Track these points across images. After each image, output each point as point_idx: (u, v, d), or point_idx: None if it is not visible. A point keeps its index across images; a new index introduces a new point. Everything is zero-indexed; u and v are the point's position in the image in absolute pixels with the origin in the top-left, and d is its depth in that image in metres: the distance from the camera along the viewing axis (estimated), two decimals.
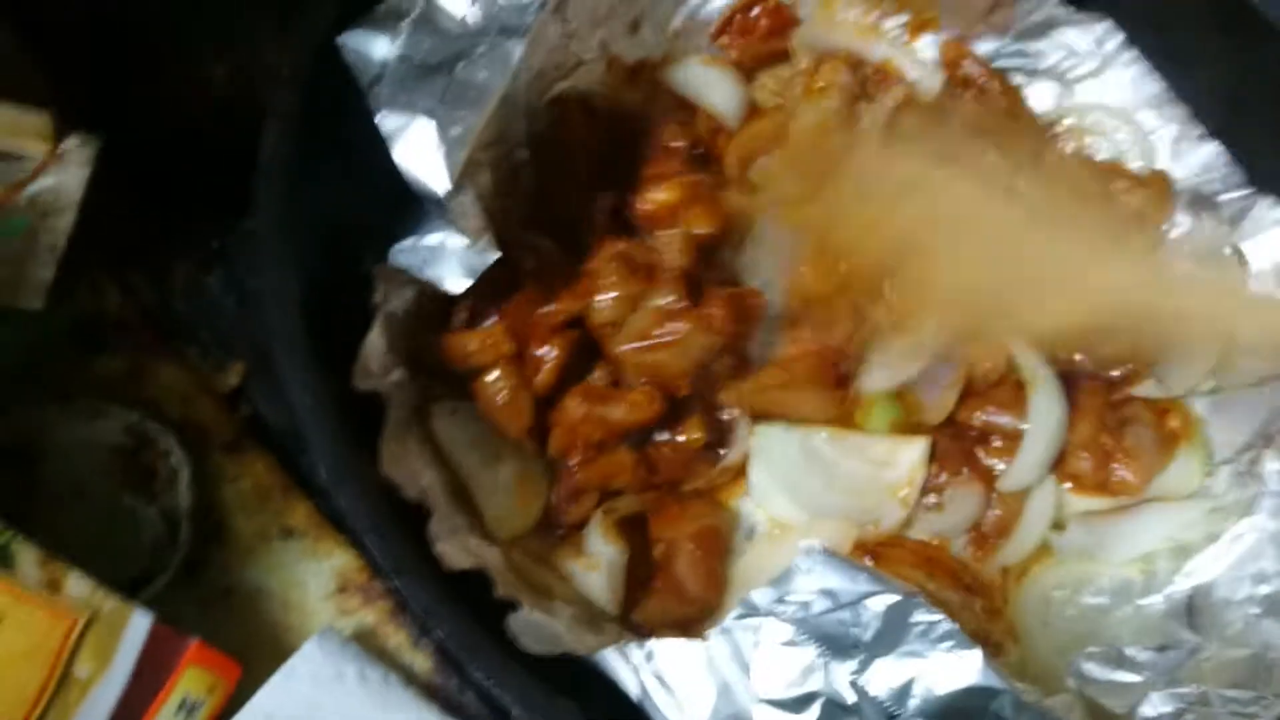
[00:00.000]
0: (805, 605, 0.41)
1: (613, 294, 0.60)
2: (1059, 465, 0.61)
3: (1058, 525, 0.60)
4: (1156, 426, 0.60)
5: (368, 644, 0.60)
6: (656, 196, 0.64)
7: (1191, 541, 0.56)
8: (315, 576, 0.62)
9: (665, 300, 0.60)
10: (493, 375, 0.59)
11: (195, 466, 0.62)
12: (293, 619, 0.61)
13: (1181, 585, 0.56)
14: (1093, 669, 0.54)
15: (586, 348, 0.62)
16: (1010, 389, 0.61)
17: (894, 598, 0.40)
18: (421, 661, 0.61)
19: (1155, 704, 0.47)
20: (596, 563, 0.57)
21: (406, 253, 0.56)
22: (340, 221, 0.55)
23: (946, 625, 0.40)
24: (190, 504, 0.61)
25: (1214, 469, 0.59)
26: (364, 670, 0.58)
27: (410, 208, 0.57)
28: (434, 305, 0.59)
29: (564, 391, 0.60)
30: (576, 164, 0.65)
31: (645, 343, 0.60)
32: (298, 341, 0.45)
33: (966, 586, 0.56)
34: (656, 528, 0.60)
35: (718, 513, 0.62)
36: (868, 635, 0.40)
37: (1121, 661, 0.53)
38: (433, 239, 0.56)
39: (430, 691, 0.59)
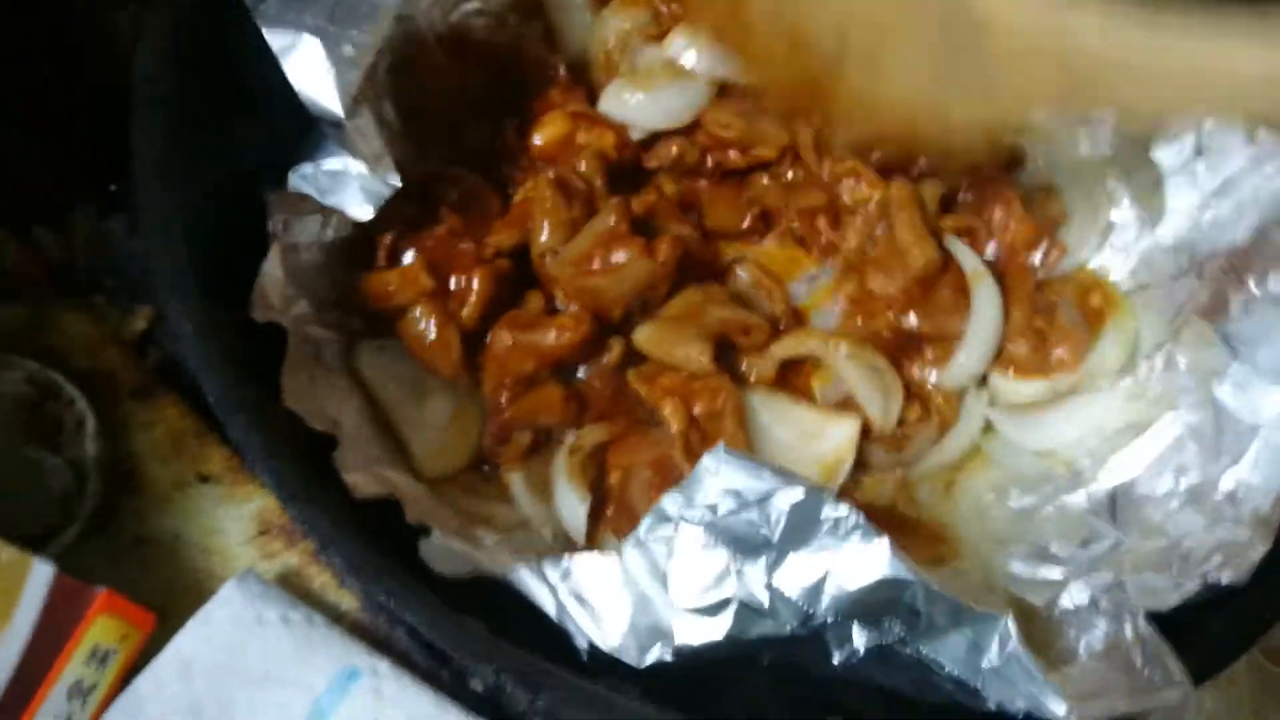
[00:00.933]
0: (713, 508, 0.40)
1: (551, 219, 0.59)
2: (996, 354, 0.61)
3: (986, 428, 0.61)
4: (1081, 305, 0.61)
5: (292, 586, 0.59)
6: (542, 133, 0.62)
7: (1114, 429, 0.56)
8: (235, 521, 0.60)
9: (607, 224, 0.59)
10: (416, 313, 0.57)
11: (105, 415, 0.60)
12: (214, 566, 0.59)
13: (1104, 482, 0.56)
14: (1018, 567, 0.54)
15: (512, 281, 0.60)
16: (948, 292, 0.61)
17: (799, 493, 0.40)
18: (349, 600, 0.59)
19: (1073, 594, 0.47)
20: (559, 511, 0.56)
21: (306, 179, 0.54)
22: (236, 147, 0.53)
23: (854, 519, 0.39)
24: (98, 453, 0.59)
25: (1139, 352, 0.59)
26: (286, 612, 0.56)
27: (313, 132, 0.54)
28: (350, 239, 0.57)
29: (492, 325, 0.59)
30: (436, 102, 0.61)
31: (586, 266, 0.58)
32: (177, 266, 0.43)
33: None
34: (614, 455, 0.59)
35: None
36: (776, 534, 0.40)
37: (1045, 558, 0.54)
38: (333, 164, 0.54)
39: (358, 630, 0.58)
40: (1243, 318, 0.56)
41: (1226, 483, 0.52)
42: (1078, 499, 0.57)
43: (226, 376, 0.42)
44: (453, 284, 0.59)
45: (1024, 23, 0.42)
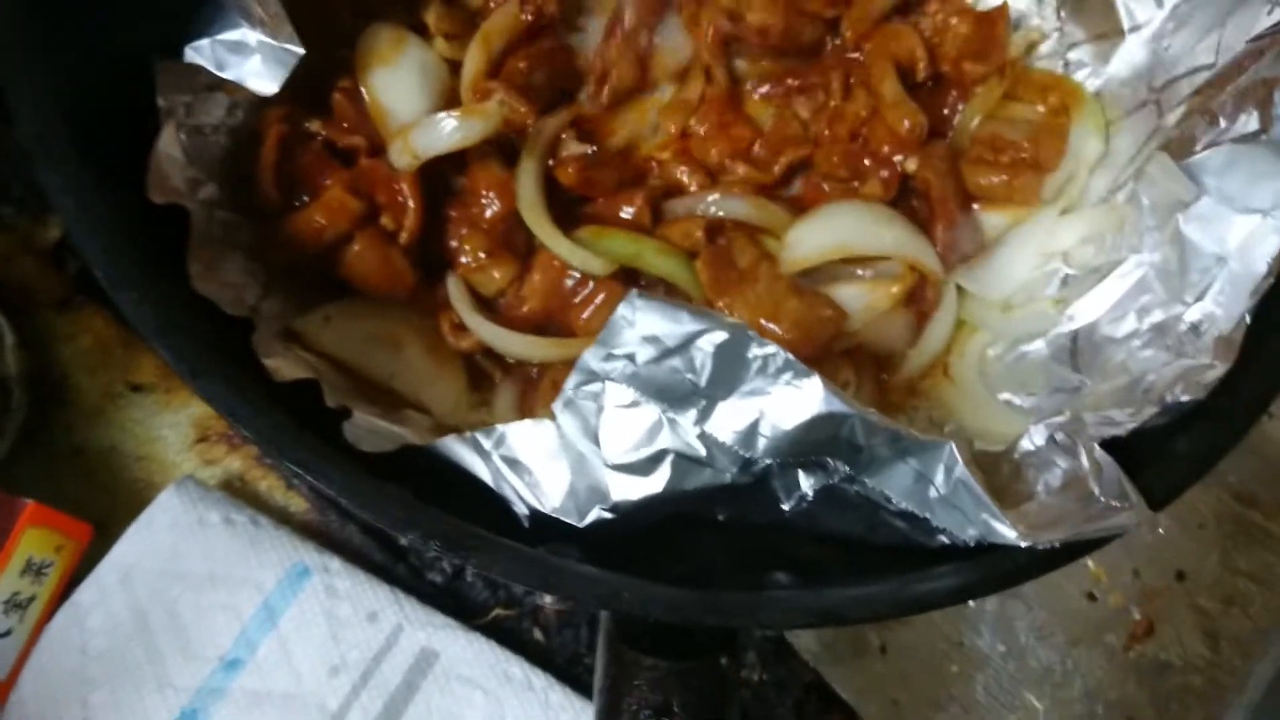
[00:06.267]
0: (631, 358, 0.38)
1: None
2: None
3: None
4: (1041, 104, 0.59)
5: (238, 491, 0.57)
6: None
7: (1068, 250, 0.55)
8: (173, 429, 0.58)
9: None
10: (357, 246, 0.53)
11: (25, 327, 0.58)
12: (153, 474, 0.58)
13: (1064, 328, 0.54)
14: None
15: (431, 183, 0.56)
16: None
17: (722, 335, 0.37)
18: (297, 502, 0.58)
19: (1032, 437, 0.45)
20: None
21: (201, 52, 0.50)
22: (123, 20, 0.49)
23: (783, 357, 0.37)
24: (20, 367, 0.56)
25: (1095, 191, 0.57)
26: (229, 514, 0.55)
27: (208, 5, 0.50)
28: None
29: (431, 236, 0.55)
30: None
31: None
32: (46, 130, 0.40)
33: None
34: None
35: None
36: (703, 380, 0.37)
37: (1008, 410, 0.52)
38: (231, 35, 0.50)
39: (310, 530, 0.57)
40: (1210, 152, 0.54)
41: (1191, 316, 0.50)
42: (1038, 348, 0.55)
43: (114, 253, 0.39)
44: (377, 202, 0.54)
45: None
